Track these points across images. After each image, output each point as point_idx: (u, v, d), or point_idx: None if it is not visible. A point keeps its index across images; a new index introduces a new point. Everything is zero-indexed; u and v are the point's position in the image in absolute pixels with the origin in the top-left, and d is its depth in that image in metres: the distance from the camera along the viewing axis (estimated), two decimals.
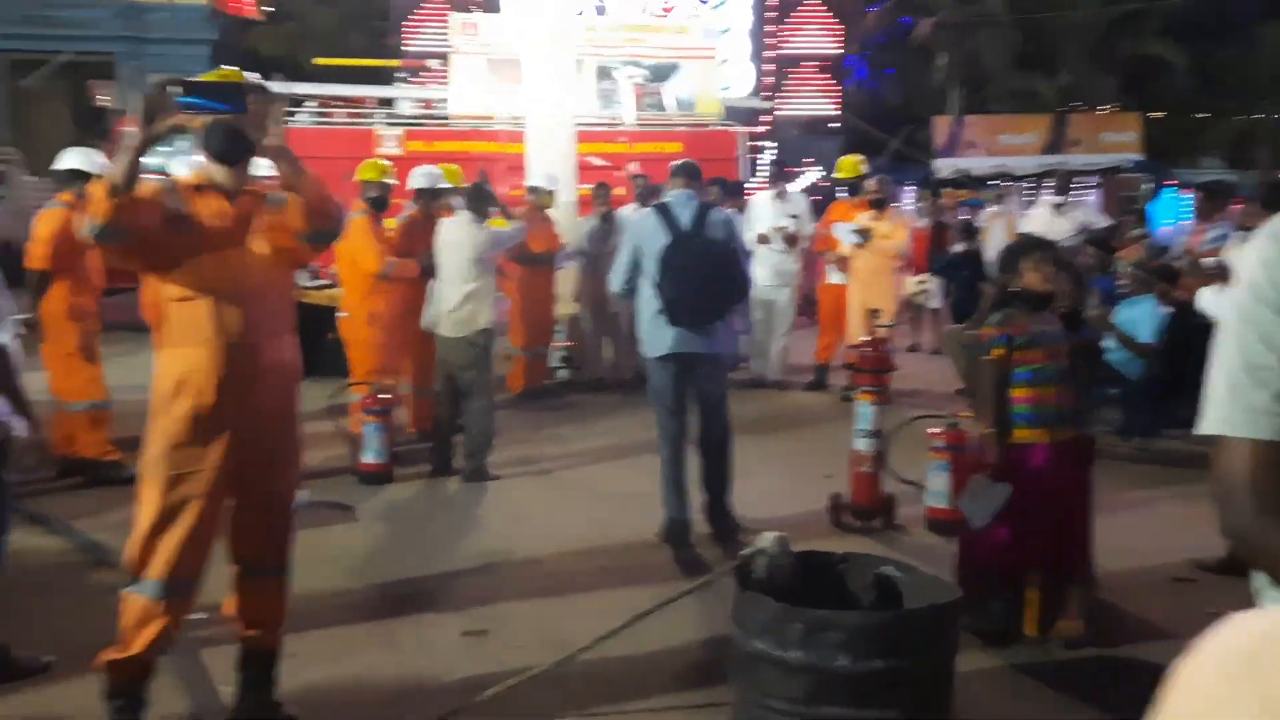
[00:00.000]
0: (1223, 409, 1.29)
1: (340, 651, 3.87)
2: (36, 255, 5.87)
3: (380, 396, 6.15)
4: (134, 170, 2.82)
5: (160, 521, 3.01)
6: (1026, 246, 4.18)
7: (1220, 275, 5.20)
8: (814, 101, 19.53)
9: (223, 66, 3.20)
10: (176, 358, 3.07)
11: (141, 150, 2.82)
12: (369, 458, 6.09)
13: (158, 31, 23.62)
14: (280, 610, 3.32)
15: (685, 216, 5.03)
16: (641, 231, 5.12)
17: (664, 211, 5.08)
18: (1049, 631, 3.99)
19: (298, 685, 3.57)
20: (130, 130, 2.82)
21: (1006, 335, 3.97)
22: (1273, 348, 1.25)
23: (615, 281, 5.28)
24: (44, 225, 5.91)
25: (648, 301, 5.06)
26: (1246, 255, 1.32)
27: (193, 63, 22.64)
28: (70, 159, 6.13)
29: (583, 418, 7.85)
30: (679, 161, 5.40)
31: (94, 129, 22.42)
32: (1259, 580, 1.34)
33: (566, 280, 8.88)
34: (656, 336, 5.06)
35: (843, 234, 8.20)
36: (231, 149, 3.03)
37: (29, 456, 3.56)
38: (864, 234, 8.08)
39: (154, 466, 3.04)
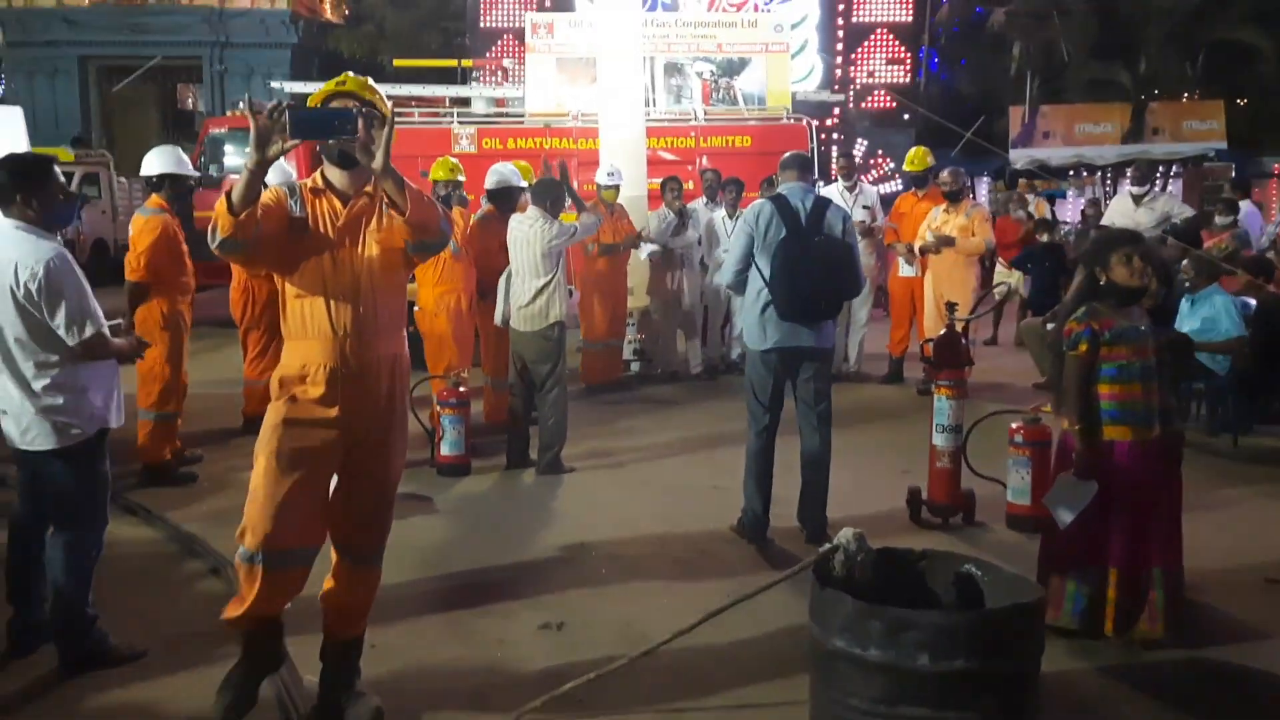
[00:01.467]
0: None
1: (419, 643, 3.95)
2: (136, 266, 5.90)
3: (456, 389, 6.25)
4: (252, 191, 2.96)
5: (262, 495, 3.14)
6: (1116, 239, 4.07)
7: None
8: (886, 69, 19.18)
9: (350, 74, 3.33)
10: (294, 349, 3.23)
11: (258, 173, 2.95)
12: (446, 450, 6.20)
13: (242, 36, 24.30)
14: (368, 600, 3.43)
15: (802, 210, 4.95)
16: (757, 223, 4.99)
17: (781, 204, 4.98)
18: (1129, 633, 3.90)
19: (378, 676, 3.66)
20: (247, 154, 2.94)
21: (1092, 330, 3.88)
22: None
23: (726, 274, 5.20)
24: (143, 236, 5.93)
25: (756, 294, 4.99)
26: None
27: (275, 65, 23.32)
28: (157, 162, 6.23)
29: (656, 411, 7.87)
30: (791, 153, 5.29)
31: (182, 131, 23.18)
32: None
33: (638, 273, 8.91)
34: (762, 330, 4.98)
35: (931, 241, 8.07)
36: (348, 156, 3.15)
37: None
38: (947, 240, 7.95)
39: (264, 444, 3.18)
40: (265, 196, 3.11)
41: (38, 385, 3.58)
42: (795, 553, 4.89)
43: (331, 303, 3.16)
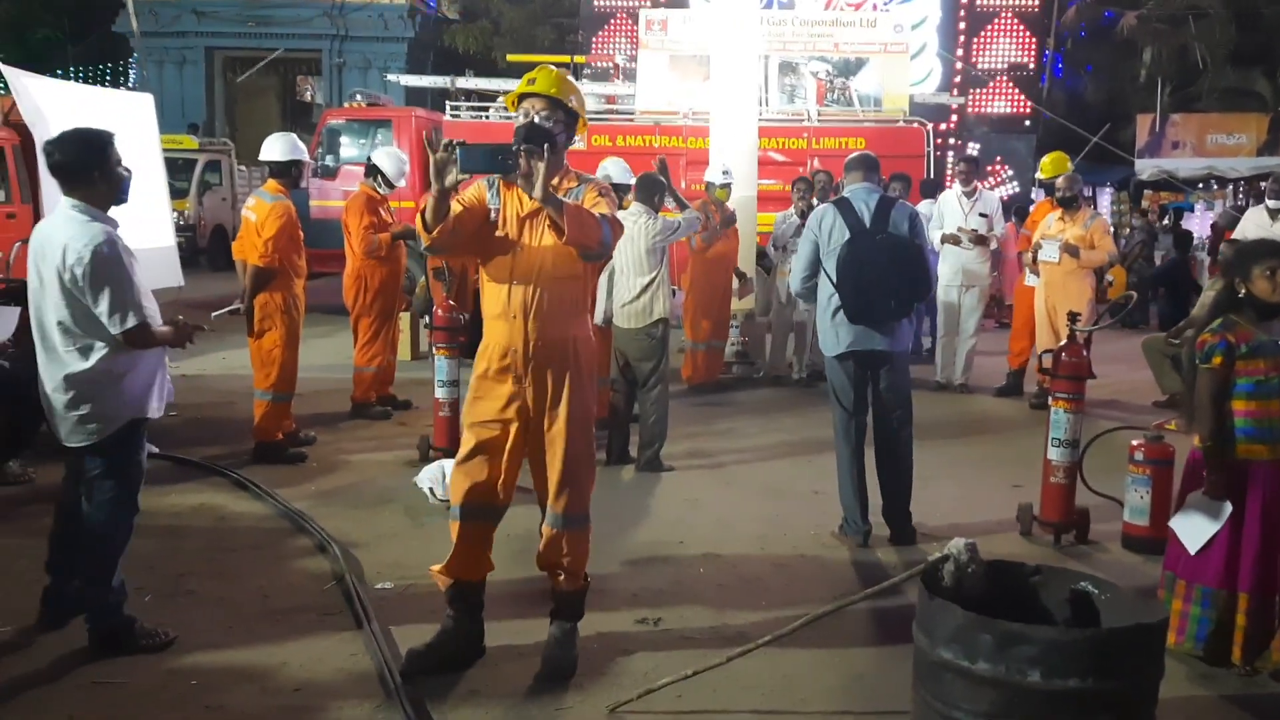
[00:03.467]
0: None
1: (521, 637, 3.97)
2: (265, 252, 6.01)
3: None
4: (440, 210, 3.35)
5: (463, 459, 3.60)
6: (1261, 251, 3.85)
7: None
8: (1003, 106, 18.72)
9: (543, 72, 3.61)
10: (488, 329, 3.59)
11: (441, 198, 3.32)
12: None
13: (361, 30, 25.06)
14: (572, 560, 3.65)
15: (865, 211, 4.93)
16: (820, 227, 5.01)
17: (843, 206, 4.98)
18: (1258, 661, 3.69)
19: (479, 670, 3.69)
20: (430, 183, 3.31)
21: (1227, 342, 3.68)
22: None
23: (794, 281, 5.25)
24: (271, 221, 6.03)
25: (827, 298, 4.98)
26: None
27: (391, 59, 23.95)
28: (282, 148, 6.36)
29: (757, 414, 7.80)
30: (856, 154, 5.26)
31: (301, 122, 24.01)
32: None
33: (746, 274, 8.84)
34: (835, 334, 4.98)
35: (1047, 250, 7.77)
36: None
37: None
38: (1071, 250, 7.65)
39: (465, 414, 3.66)
40: (468, 194, 3.51)
41: (74, 371, 3.53)
42: (894, 560, 4.78)
43: (514, 287, 3.48)
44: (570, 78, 3.69)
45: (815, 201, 8.76)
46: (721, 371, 8.77)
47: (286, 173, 6.37)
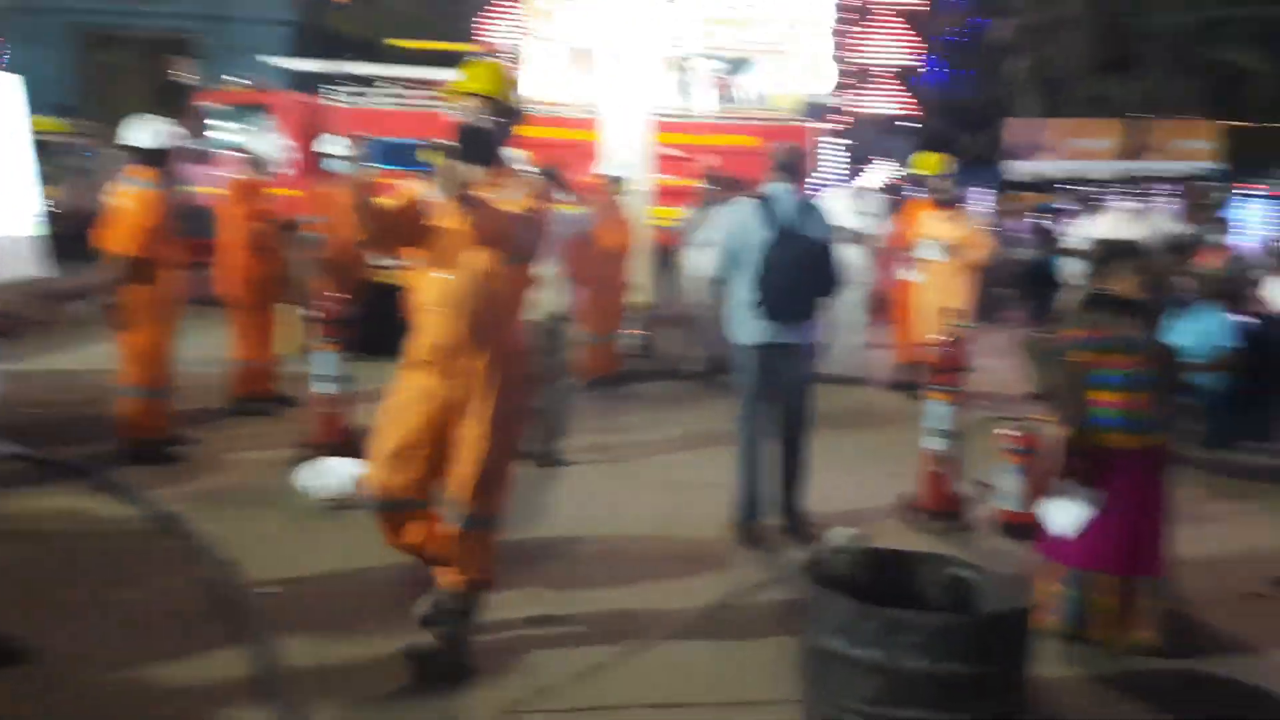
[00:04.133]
0: None
1: (408, 629, 3.90)
2: (128, 241, 5.69)
3: None
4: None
5: (383, 451, 3.59)
6: (1120, 251, 4.08)
7: None
8: (883, 106, 19.24)
9: (488, 61, 3.60)
10: (416, 321, 3.60)
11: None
12: None
13: (239, 10, 24.11)
14: (471, 559, 3.58)
15: (786, 211, 5.03)
16: (740, 224, 5.11)
17: (764, 205, 5.08)
18: (1121, 640, 3.90)
19: (362, 662, 3.62)
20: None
21: (1089, 337, 3.88)
22: None
23: (715, 270, 5.33)
24: (136, 209, 5.73)
25: (742, 292, 5.06)
26: None
27: (273, 42, 23.13)
28: (153, 134, 6.00)
29: (654, 406, 7.84)
30: (781, 150, 5.32)
31: (175, 105, 22.99)
32: None
33: (640, 269, 8.87)
34: (748, 326, 5.09)
35: (927, 249, 8.04)
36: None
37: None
38: (950, 250, 7.93)
39: (386, 406, 3.64)
40: (407, 194, 3.52)
41: None
42: (790, 550, 4.88)
43: (442, 281, 3.48)
44: (506, 74, 3.64)
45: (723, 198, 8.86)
46: (618, 365, 8.78)
47: (160, 159, 6.07)
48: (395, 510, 3.59)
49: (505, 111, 3.52)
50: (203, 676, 3.49)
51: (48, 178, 14.61)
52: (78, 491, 5.35)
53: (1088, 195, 18.40)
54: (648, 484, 5.92)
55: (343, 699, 3.38)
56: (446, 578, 3.61)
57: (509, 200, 3.46)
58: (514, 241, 3.42)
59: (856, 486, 5.90)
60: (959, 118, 20.78)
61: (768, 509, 5.13)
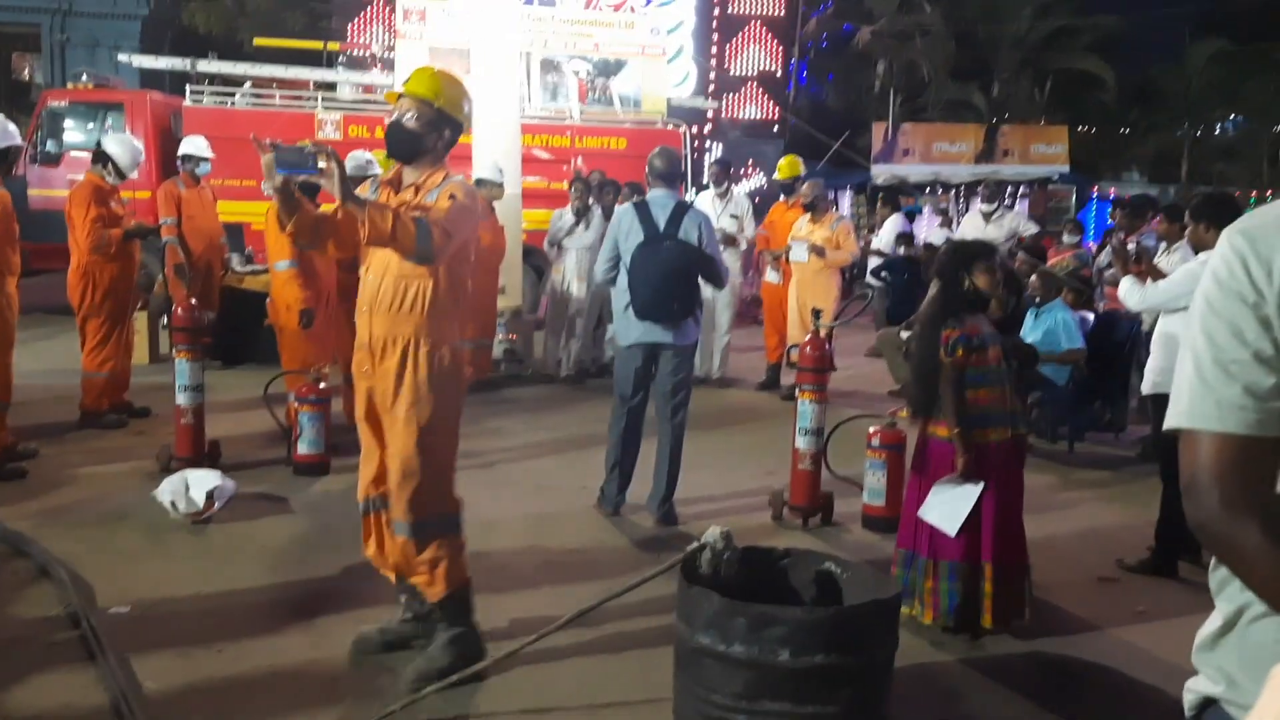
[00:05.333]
0: (1193, 403, 1.30)
1: (272, 646, 3.79)
2: None
3: (316, 386, 6.03)
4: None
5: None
6: (977, 250, 4.26)
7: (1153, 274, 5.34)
8: (754, 111, 19.67)
9: (428, 66, 3.77)
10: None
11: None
12: (304, 448, 5.97)
13: (87, 4, 22.90)
14: (425, 567, 3.56)
15: (661, 217, 5.25)
16: (621, 227, 5.33)
17: (641, 210, 5.31)
18: (979, 625, 4.06)
19: (229, 680, 3.50)
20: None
21: (967, 336, 4.03)
22: (1243, 341, 1.27)
23: (599, 271, 5.57)
24: None
25: (621, 293, 5.30)
26: (1216, 250, 1.34)
27: (123, 37, 22.07)
28: None
29: (525, 412, 7.80)
30: (659, 160, 5.48)
31: (19, 103, 21.68)
32: (1220, 573, 1.37)
33: (511, 273, 8.82)
34: (626, 327, 5.33)
35: (796, 251, 8.26)
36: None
37: None
38: (818, 250, 8.16)
39: None
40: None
41: None
42: (663, 554, 4.93)
43: (368, 280, 3.53)
44: (454, 77, 3.63)
45: (590, 202, 8.89)
46: (489, 370, 8.70)
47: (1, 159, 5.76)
48: (364, 513, 3.65)
49: (438, 114, 3.49)
50: (53, 703, 3.30)
51: None
52: None
53: (949, 197, 19.20)
54: (520, 489, 5.89)
55: (198, 718, 3.25)
56: (426, 591, 3.60)
57: (427, 201, 3.44)
58: (406, 244, 3.31)
59: (728, 485, 6.00)
60: (825, 122, 21.36)
61: (625, 504, 5.37)
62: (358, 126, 11.07)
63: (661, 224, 5.22)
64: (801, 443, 5.35)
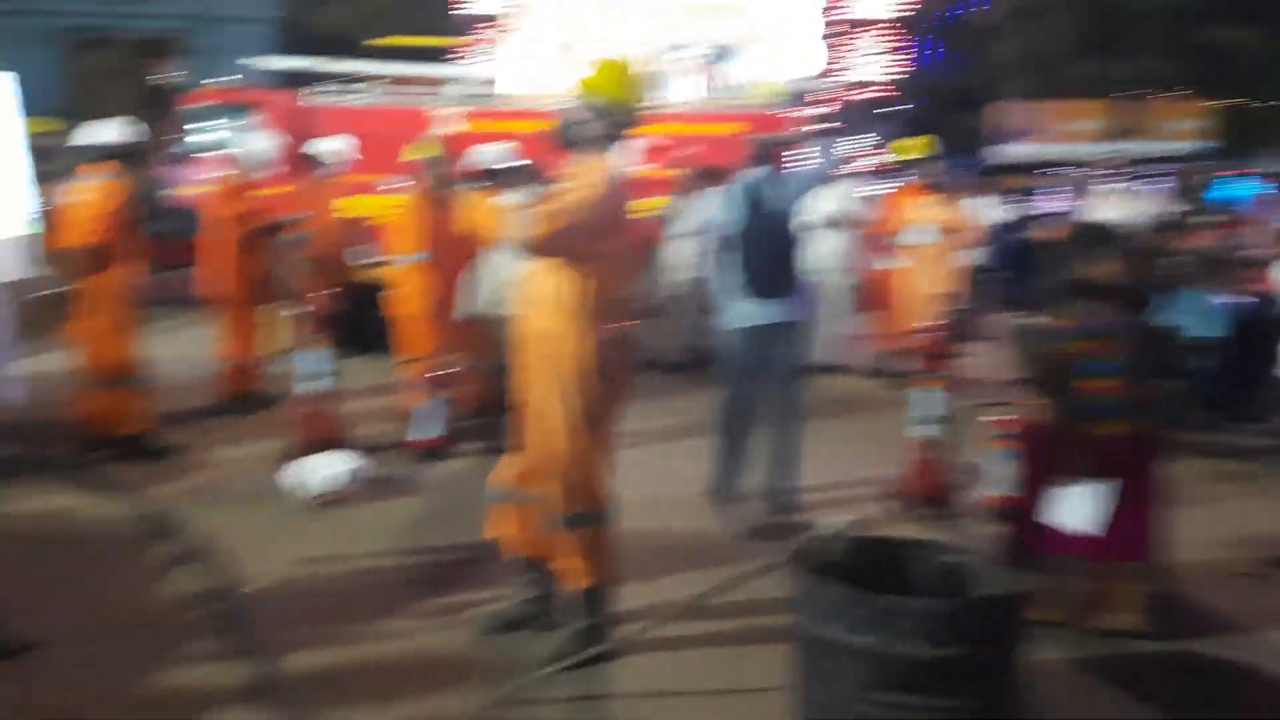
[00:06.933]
0: None
1: (401, 624, 3.90)
2: (93, 231, 5.73)
3: (435, 373, 6.18)
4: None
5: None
6: (1097, 235, 4.06)
7: None
8: (868, 91, 19.23)
9: (610, 61, 3.73)
10: None
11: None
12: (424, 434, 6.12)
13: (224, 11, 24.01)
14: (565, 558, 3.59)
15: (760, 192, 5.20)
16: (722, 208, 5.32)
17: (741, 188, 5.29)
18: (1106, 623, 3.90)
19: (357, 656, 3.61)
20: None
21: (1072, 326, 3.86)
22: None
23: (695, 259, 5.43)
24: (105, 201, 5.79)
25: (726, 275, 5.23)
26: None
27: (256, 41, 23.03)
28: (109, 132, 6.09)
29: (641, 398, 7.79)
30: (759, 142, 5.46)
31: (162, 105, 22.89)
32: None
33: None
34: (733, 309, 5.23)
35: (917, 234, 8.03)
36: None
37: None
38: (939, 233, 7.91)
39: None
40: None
41: None
42: (778, 542, 4.88)
43: (524, 275, 3.65)
44: (622, 70, 3.62)
45: (697, 189, 8.84)
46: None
47: (124, 155, 6.09)
48: (500, 499, 3.73)
49: (594, 106, 3.52)
50: (198, 674, 3.49)
51: (41, 179, 14.56)
52: (70, 492, 5.35)
53: (1075, 178, 18.44)
54: (636, 475, 5.85)
55: (329, 695, 3.36)
56: (568, 580, 3.63)
57: (569, 193, 3.45)
58: (568, 233, 3.36)
59: (843, 473, 5.90)
60: (944, 101, 20.78)
61: (741, 492, 5.27)
62: (476, 120, 11.25)
63: (760, 199, 5.19)
64: (921, 431, 5.21)
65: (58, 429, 6.28)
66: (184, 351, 8.47)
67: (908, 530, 4.89)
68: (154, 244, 6.72)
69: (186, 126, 12.21)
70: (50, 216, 6.32)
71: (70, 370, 6.14)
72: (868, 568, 3.23)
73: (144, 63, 26.77)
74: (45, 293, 5.86)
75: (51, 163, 16.27)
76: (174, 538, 4.71)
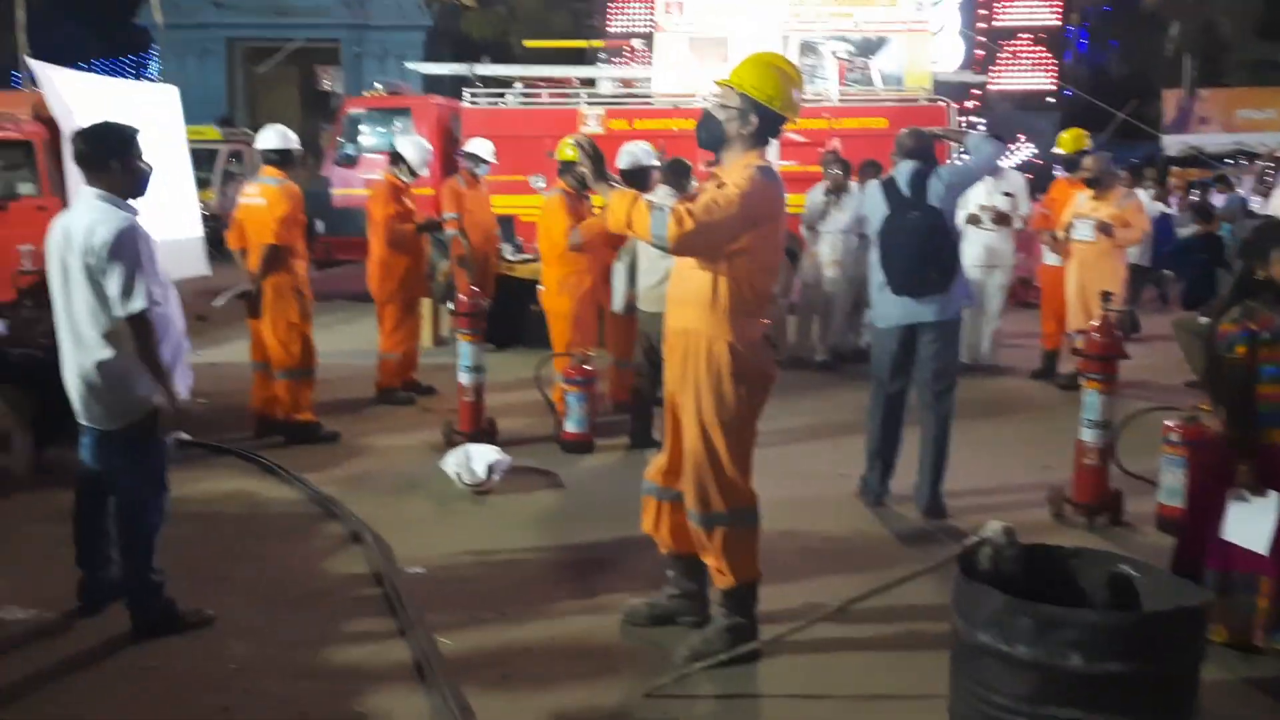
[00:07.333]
0: None
1: (550, 613, 3.97)
2: (275, 231, 6.09)
3: (582, 368, 6.28)
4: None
5: None
6: (1277, 232, 3.77)
7: None
8: (1027, 76, 18.48)
9: (755, 53, 3.71)
10: None
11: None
12: (571, 427, 6.24)
13: (379, 19, 25.06)
14: (715, 556, 3.56)
15: (905, 185, 5.10)
16: (867, 204, 5.29)
17: (886, 183, 5.21)
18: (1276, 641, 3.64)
19: (510, 641, 3.71)
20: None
21: (1249, 331, 3.60)
22: None
23: (851, 254, 5.42)
24: (283, 202, 6.13)
25: (875, 271, 5.18)
26: None
27: (409, 47, 23.93)
28: (271, 138, 6.43)
29: (778, 396, 7.68)
30: (908, 137, 5.32)
31: (321, 111, 24.05)
32: None
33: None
34: (883, 306, 5.17)
35: (1081, 230, 7.67)
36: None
37: (169, 423, 3.64)
38: (1105, 229, 7.53)
39: None
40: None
41: (104, 358, 3.55)
42: (923, 540, 4.76)
43: (674, 272, 3.65)
44: (774, 64, 3.55)
45: (846, 182, 8.68)
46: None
47: (285, 160, 6.43)
48: (647, 493, 3.73)
49: (743, 102, 3.44)
50: (361, 653, 3.64)
51: (200, 183, 15.61)
52: (245, 474, 5.68)
53: (1252, 170, 17.27)
54: (777, 474, 5.78)
55: (488, 678, 3.45)
56: (715, 578, 3.61)
57: (715, 190, 3.41)
58: (711, 231, 3.33)
59: (1000, 478, 5.70)
60: (1109, 91, 19.77)
61: (891, 494, 5.23)
62: (618, 120, 11.39)
63: (906, 193, 5.07)
64: (1087, 435, 4.98)
65: (233, 415, 6.69)
66: (345, 344, 8.88)
67: (1072, 538, 4.69)
68: (319, 242, 7.08)
69: (348, 130, 12.79)
70: (225, 218, 6.71)
71: (246, 360, 6.53)
72: (1029, 575, 3.10)
73: (306, 71, 28.17)
74: (230, 291, 6.24)
75: (222, 168, 17.31)
76: (339, 520, 4.94)
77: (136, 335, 3.52)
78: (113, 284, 3.47)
